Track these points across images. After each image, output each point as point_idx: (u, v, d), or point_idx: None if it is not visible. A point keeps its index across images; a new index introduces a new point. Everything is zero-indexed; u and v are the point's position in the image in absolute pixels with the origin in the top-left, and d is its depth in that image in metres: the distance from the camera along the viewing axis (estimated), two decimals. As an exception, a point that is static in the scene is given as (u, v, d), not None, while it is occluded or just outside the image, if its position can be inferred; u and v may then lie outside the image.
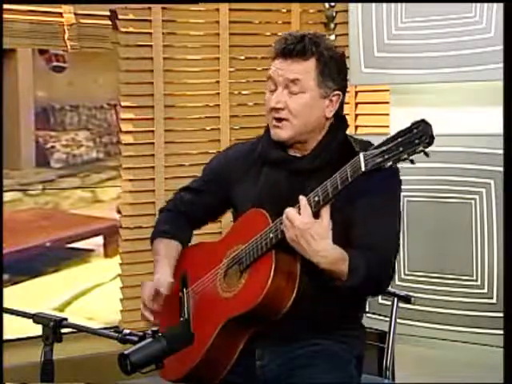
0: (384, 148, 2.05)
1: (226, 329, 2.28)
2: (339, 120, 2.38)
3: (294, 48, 2.28)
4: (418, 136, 2.01)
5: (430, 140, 2.01)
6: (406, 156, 2.03)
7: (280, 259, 2.21)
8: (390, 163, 2.04)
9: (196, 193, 2.56)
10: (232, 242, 2.36)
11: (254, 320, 2.25)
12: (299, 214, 2.14)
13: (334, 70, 2.32)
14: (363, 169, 2.07)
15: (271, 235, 2.21)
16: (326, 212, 2.14)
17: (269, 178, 2.38)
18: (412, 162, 2.04)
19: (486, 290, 3.11)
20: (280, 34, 3.99)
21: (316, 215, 2.14)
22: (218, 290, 2.35)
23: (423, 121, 2.03)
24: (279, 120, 2.31)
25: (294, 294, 2.20)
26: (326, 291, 2.25)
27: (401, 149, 2.03)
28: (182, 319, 2.35)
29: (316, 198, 2.14)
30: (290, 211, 2.15)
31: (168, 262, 2.44)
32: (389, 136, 2.07)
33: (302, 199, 2.15)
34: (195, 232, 2.61)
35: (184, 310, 2.38)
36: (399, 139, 2.04)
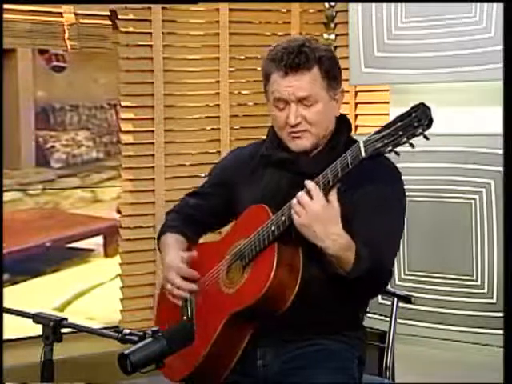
0: (383, 133, 2.05)
1: (229, 324, 2.28)
2: (342, 120, 2.39)
3: (298, 62, 2.26)
4: (417, 119, 2.01)
5: (429, 122, 2.01)
6: (405, 139, 2.02)
7: (282, 252, 2.21)
8: (389, 148, 2.04)
9: (202, 196, 2.57)
10: (234, 238, 2.36)
11: (257, 314, 2.25)
12: (311, 198, 2.13)
13: (334, 70, 2.33)
14: (363, 154, 2.06)
15: (273, 228, 2.21)
16: (333, 197, 2.14)
17: (272, 179, 2.38)
18: (412, 145, 2.03)
19: (486, 290, 3.11)
20: (280, 33, 4.05)
21: None
22: (221, 287, 2.35)
23: (422, 104, 2.03)
24: (298, 132, 2.31)
25: (297, 287, 2.20)
26: (327, 289, 2.26)
27: (400, 133, 2.02)
28: (184, 319, 2.36)
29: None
30: (302, 196, 2.14)
31: (180, 248, 2.45)
32: (388, 121, 2.07)
33: (310, 183, 2.14)
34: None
35: (187, 310, 2.39)
36: (398, 123, 2.03)
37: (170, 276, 2.37)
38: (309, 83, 2.27)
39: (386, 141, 2.04)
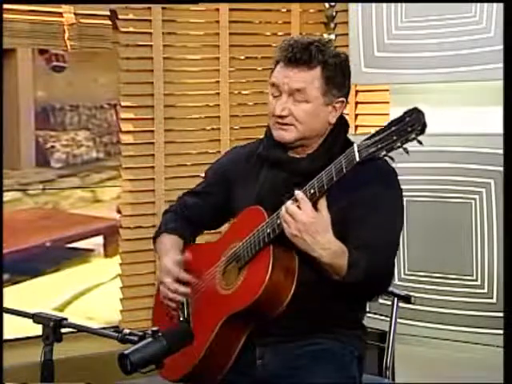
0: (377, 138, 2.06)
1: (225, 326, 2.28)
2: (340, 122, 2.39)
3: (300, 57, 2.27)
4: (411, 124, 2.02)
5: (423, 127, 2.02)
6: (399, 144, 2.03)
7: (278, 254, 2.22)
8: (383, 152, 2.05)
9: (199, 195, 2.58)
10: (230, 240, 2.37)
11: (253, 316, 2.26)
12: (299, 208, 2.14)
13: (338, 78, 2.32)
14: (357, 159, 2.07)
15: (268, 230, 2.22)
16: (323, 205, 2.15)
17: (268, 179, 2.39)
18: (406, 150, 2.04)
19: (486, 290, 3.12)
20: (280, 33, 4.06)
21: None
22: (217, 288, 2.35)
23: (415, 109, 2.03)
24: (284, 124, 2.32)
25: (293, 289, 2.21)
26: (326, 290, 2.26)
27: (394, 137, 2.03)
28: (181, 319, 2.36)
29: (312, 190, 2.15)
30: (290, 206, 2.15)
31: (176, 251, 2.46)
32: (382, 126, 2.07)
33: (299, 193, 2.15)
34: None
35: (184, 310, 2.39)
36: (392, 128, 2.04)
37: (165, 280, 2.39)
38: (305, 80, 2.28)
39: (379, 145, 2.05)
